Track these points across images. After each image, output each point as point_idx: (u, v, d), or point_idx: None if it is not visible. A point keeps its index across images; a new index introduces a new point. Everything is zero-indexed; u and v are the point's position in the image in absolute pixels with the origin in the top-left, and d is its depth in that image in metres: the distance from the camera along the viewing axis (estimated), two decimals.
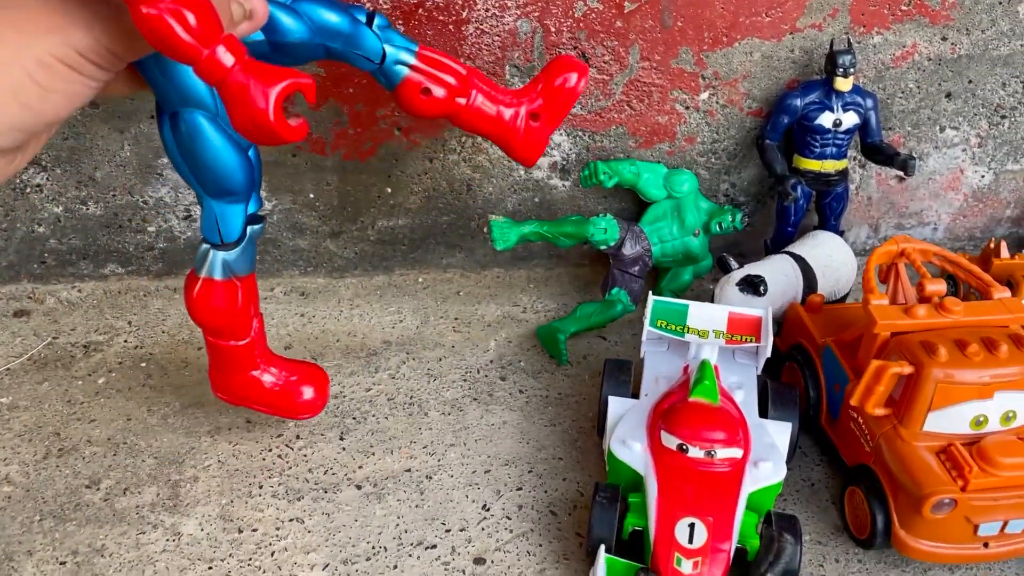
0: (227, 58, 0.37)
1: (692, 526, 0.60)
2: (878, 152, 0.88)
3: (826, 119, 0.86)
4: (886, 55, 0.87)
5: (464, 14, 0.80)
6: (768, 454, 0.65)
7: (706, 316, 0.74)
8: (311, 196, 0.90)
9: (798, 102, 0.86)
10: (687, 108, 0.89)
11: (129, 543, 0.66)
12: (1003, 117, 0.93)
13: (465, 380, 0.84)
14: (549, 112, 0.64)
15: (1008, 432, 0.64)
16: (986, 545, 0.64)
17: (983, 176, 0.98)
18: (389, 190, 0.91)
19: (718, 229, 0.90)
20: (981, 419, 0.64)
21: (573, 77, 0.64)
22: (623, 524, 0.63)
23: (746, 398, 0.71)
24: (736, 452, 0.64)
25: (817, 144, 0.87)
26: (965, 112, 0.92)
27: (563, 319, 0.88)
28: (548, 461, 0.75)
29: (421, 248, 0.96)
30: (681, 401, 0.67)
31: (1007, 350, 0.63)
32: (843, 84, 0.84)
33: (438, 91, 0.59)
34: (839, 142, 0.88)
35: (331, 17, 0.55)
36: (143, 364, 0.84)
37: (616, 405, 0.71)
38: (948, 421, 0.64)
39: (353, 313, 0.92)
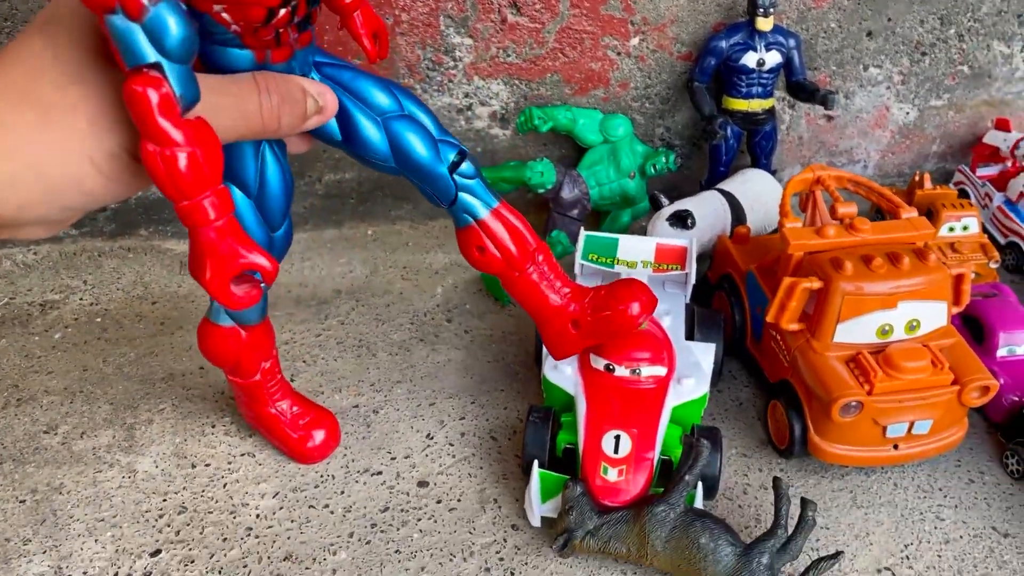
0: (211, 212, 0.38)
1: (618, 438, 0.64)
2: (801, 90, 0.91)
3: (750, 59, 0.89)
4: None
5: None
6: (692, 372, 0.69)
7: (635, 248, 0.78)
8: None
9: (723, 44, 0.89)
10: (619, 54, 0.92)
11: (86, 481, 0.69)
12: (923, 54, 0.97)
13: (412, 323, 0.87)
14: (593, 329, 0.61)
15: (914, 340, 0.68)
16: (896, 447, 0.68)
17: (908, 113, 1.02)
18: None
19: (653, 171, 0.93)
20: (887, 328, 0.67)
21: (635, 307, 0.60)
22: (556, 442, 0.67)
23: (673, 323, 0.75)
24: (660, 370, 0.68)
25: (743, 84, 0.91)
26: (886, 50, 0.95)
27: None
28: (490, 393, 0.79)
29: (369, 201, 0.99)
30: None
31: (909, 262, 0.67)
32: (764, 24, 0.87)
33: (494, 252, 0.57)
34: (764, 81, 0.91)
35: (417, 149, 0.52)
36: (98, 319, 0.86)
37: None
38: (856, 331, 0.67)
39: (304, 266, 0.95)
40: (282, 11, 0.40)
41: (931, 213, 0.89)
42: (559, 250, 0.91)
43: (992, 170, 1.02)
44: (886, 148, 1.05)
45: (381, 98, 0.51)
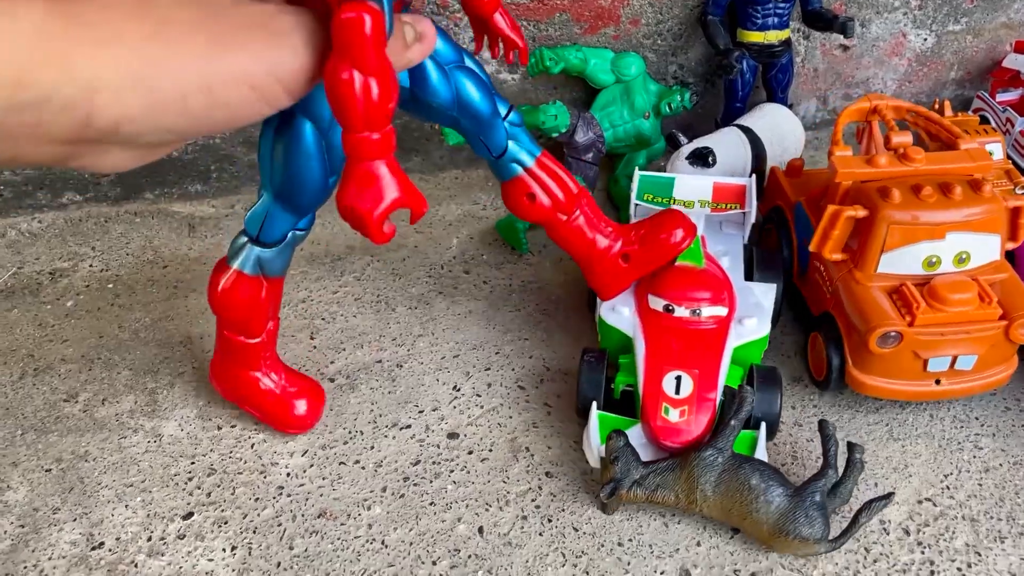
0: (379, 147, 0.39)
1: (679, 379, 0.63)
2: (818, 18, 0.89)
3: None
4: None
5: None
6: (753, 312, 0.68)
7: (692, 187, 0.76)
8: None
9: None
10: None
11: (111, 447, 0.68)
12: None
13: (430, 276, 0.85)
14: (642, 259, 0.64)
15: (962, 273, 0.66)
16: (938, 382, 0.66)
17: (925, 39, 0.99)
18: None
19: (668, 110, 0.91)
20: (934, 260, 0.65)
21: (679, 233, 0.64)
22: (613, 385, 0.66)
23: (732, 263, 0.73)
24: (721, 310, 0.66)
25: (758, 15, 0.88)
26: None
27: None
28: (514, 342, 0.77)
29: None
30: (667, 266, 0.69)
31: (961, 192, 0.64)
32: None
33: (544, 199, 0.60)
34: (780, 11, 0.88)
35: (476, 97, 0.55)
36: (110, 285, 0.84)
37: None
38: (901, 262, 0.65)
39: (316, 223, 0.93)
40: None
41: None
42: None
43: (1012, 95, 1.00)
44: (903, 77, 1.02)
45: (446, 50, 0.53)
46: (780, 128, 0.88)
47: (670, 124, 0.95)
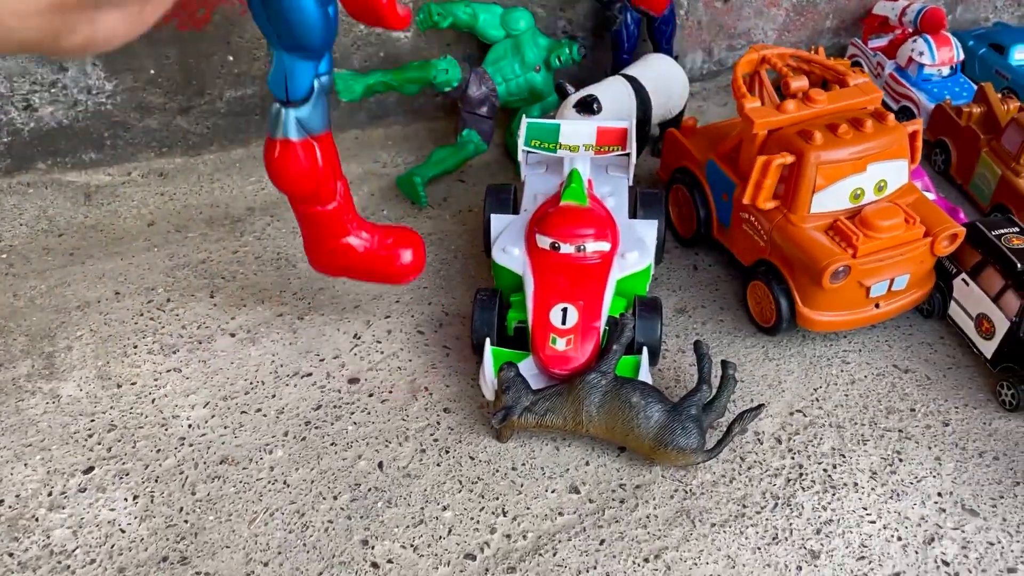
0: None
1: (565, 310, 0.66)
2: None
3: None
4: None
5: None
6: (635, 246, 0.71)
7: (576, 132, 0.79)
8: (152, 72, 0.90)
9: None
10: None
11: (8, 411, 0.68)
12: None
13: None
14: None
15: (882, 200, 0.70)
16: (877, 306, 0.70)
17: None
18: (231, 58, 0.91)
19: (558, 63, 0.94)
20: (858, 192, 0.69)
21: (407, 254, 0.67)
22: (506, 322, 0.69)
23: (617, 203, 0.76)
24: (604, 245, 0.70)
25: None
26: None
27: (419, 165, 0.91)
28: (413, 291, 0.80)
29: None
30: (553, 206, 0.72)
31: (872, 125, 0.68)
32: None
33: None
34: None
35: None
36: (3, 256, 0.83)
37: (498, 221, 0.75)
38: (831, 199, 0.69)
39: (214, 187, 0.93)
40: None
41: (826, 84, 0.92)
42: (471, 148, 0.92)
43: (883, 40, 1.05)
44: (782, 27, 1.07)
45: None
46: (664, 77, 0.91)
47: (561, 76, 0.97)
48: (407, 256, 0.67)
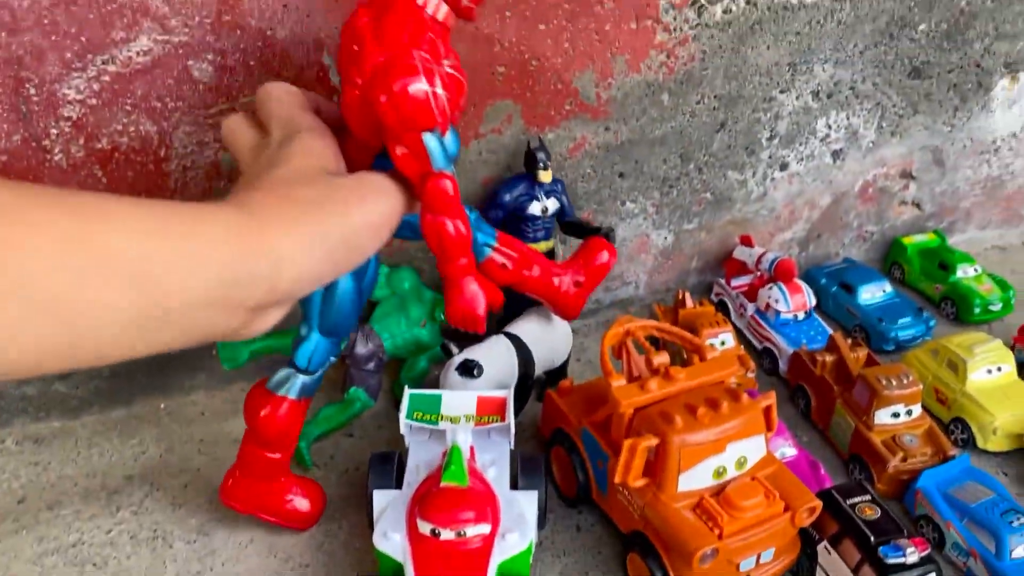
0: (469, 267, 0.59)
1: None
2: (578, 227, 0.99)
3: (535, 208, 0.97)
4: (562, 147, 0.99)
5: (162, 153, 0.84)
6: (516, 524, 0.72)
7: (457, 403, 0.81)
8: None
9: (507, 196, 0.97)
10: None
11: None
12: (670, 187, 1.08)
13: (211, 502, 0.85)
14: (588, 282, 0.82)
15: (743, 475, 0.74)
16: None
17: (666, 237, 1.13)
18: None
19: (442, 317, 0.98)
20: (721, 470, 0.72)
21: (605, 255, 0.82)
22: None
23: (498, 473, 0.78)
24: (484, 528, 0.70)
25: (530, 230, 0.98)
26: (638, 187, 1.06)
27: (305, 424, 0.92)
28: (296, 570, 0.78)
29: (160, 374, 0.97)
30: (433, 487, 0.73)
31: (728, 406, 0.72)
32: (545, 176, 0.95)
33: (512, 266, 0.77)
34: (547, 225, 0.99)
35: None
36: None
37: (380, 498, 0.75)
38: (695, 479, 0.72)
39: (92, 452, 0.91)
40: None
41: (693, 330, 0.98)
42: (358, 406, 0.93)
43: (744, 280, 1.15)
44: (652, 269, 1.15)
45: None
46: (546, 332, 0.96)
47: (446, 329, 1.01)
48: (304, 506, 0.80)
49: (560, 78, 0.94)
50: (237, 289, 0.41)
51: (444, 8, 0.56)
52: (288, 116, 0.55)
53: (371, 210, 0.49)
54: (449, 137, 0.53)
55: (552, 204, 0.98)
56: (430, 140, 0.51)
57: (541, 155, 0.95)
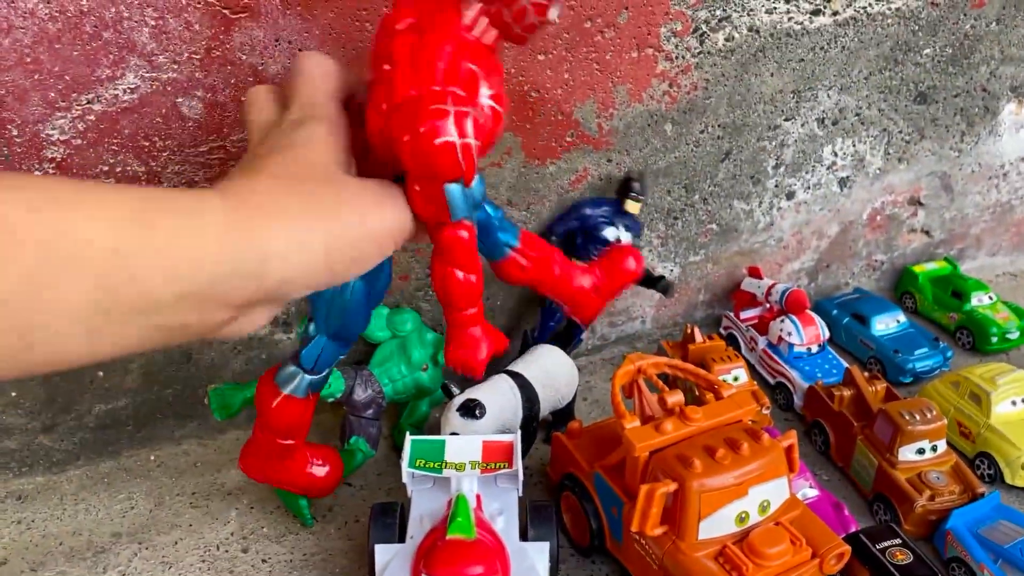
0: (478, 317, 0.53)
1: None
2: (648, 279, 0.97)
3: (610, 233, 0.95)
4: (563, 181, 0.96)
5: None
6: None
7: (461, 448, 0.77)
8: (13, 395, 0.85)
9: (589, 211, 0.95)
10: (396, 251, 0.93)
11: None
12: (675, 218, 1.06)
13: (204, 561, 0.81)
14: (608, 288, 0.73)
15: (767, 520, 0.69)
16: None
17: (672, 270, 1.10)
18: (101, 373, 0.88)
19: (445, 360, 0.94)
20: (743, 515, 0.68)
21: (632, 262, 0.73)
22: None
23: (507, 524, 0.73)
24: None
25: (595, 252, 0.95)
26: (643, 218, 1.03)
27: None
28: None
29: (149, 425, 0.93)
30: (440, 540, 0.68)
31: (748, 447, 0.68)
32: (632, 207, 0.95)
33: (533, 267, 0.69)
34: None
35: (487, 209, 0.61)
36: None
37: (382, 553, 0.71)
38: (717, 525, 0.67)
39: (78, 509, 0.86)
40: None
41: (704, 366, 0.95)
42: (359, 458, 0.89)
43: (754, 312, 1.11)
44: (659, 303, 1.12)
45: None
46: (552, 370, 0.92)
47: (449, 370, 0.98)
48: (321, 472, 0.78)
49: (560, 109, 0.91)
50: (219, 285, 0.37)
51: (493, 33, 0.50)
52: (310, 98, 0.49)
53: (386, 218, 0.45)
54: (475, 185, 0.48)
55: (625, 238, 0.96)
56: (453, 190, 0.47)
57: (636, 186, 0.95)
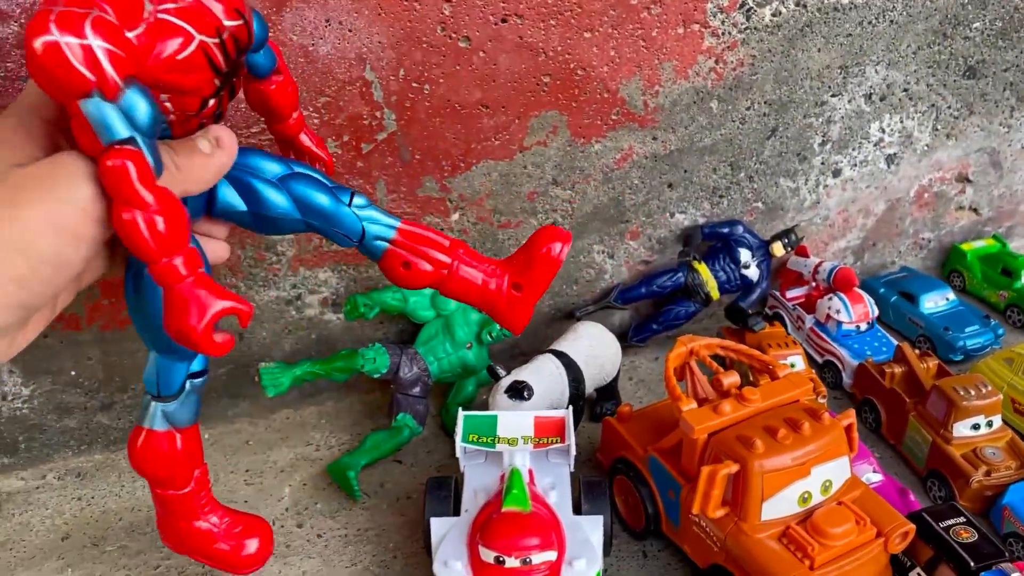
0: (182, 269, 0.42)
1: None
2: (739, 313, 1.02)
3: (745, 254, 1.02)
4: (608, 159, 0.96)
5: None
6: (582, 551, 0.68)
7: (514, 424, 0.78)
8: (72, 374, 0.87)
9: (741, 228, 1.03)
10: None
11: None
12: (720, 197, 1.05)
13: None
14: (532, 281, 0.60)
15: (829, 500, 0.69)
16: None
17: None
18: None
19: (489, 338, 0.94)
20: (806, 496, 0.68)
21: (557, 247, 0.59)
22: None
23: (560, 498, 0.74)
24: (551, 555, 0.67)
25: (720, 262, 1.03)
26: (688, 197, 1.03)
27: (352, 452, 0.89)
28: None
29: (203, 405, 0.94)
30: (495, 513, 0.69)
31: (809, 427, 0.68)
32: (777, 250, 1.03)
33: (420, 263, 0.58)
34: (729, 276, 1.03)
35: (317, 198, 0.55)
36: None
37: (438, 525, 0.72)
38: (780, 506, 0.67)
39: (136, 486, 0.88)
40: (211, 101, 0.46)
41: (761, 351, 0.94)
42: (406, 434, 0.90)
43: (799, 291, 1.10)
44: None
45: (271, 165, 0.54)
46: (595, 348, 0.93)
47: (493, 350, 0.98)
48: (252, 547, 0.67)
49: (606, 87, 0.91)
50: None
51: None
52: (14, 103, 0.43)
53: (59, 201, 0.38)
54: (130, 100, 0.40)
55: (753, 272, 1.03)
56: (89, 106, 0.39)
57: (793, 237, 1.04)
